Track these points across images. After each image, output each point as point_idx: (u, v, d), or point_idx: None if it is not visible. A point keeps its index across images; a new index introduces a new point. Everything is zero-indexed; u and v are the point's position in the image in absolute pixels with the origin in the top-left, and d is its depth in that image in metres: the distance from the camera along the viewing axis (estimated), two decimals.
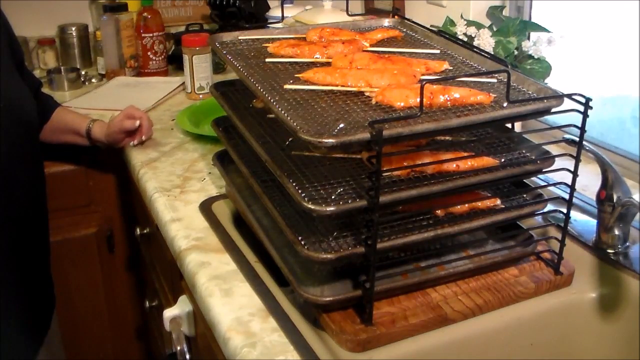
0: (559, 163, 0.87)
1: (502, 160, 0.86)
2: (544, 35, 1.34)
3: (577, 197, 1.05)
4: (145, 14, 1.90)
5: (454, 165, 0.82)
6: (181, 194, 1.19)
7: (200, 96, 1.71)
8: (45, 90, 1.50)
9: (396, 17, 1.19)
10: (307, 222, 0.85)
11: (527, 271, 0.93)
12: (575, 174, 0.86)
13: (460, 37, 1.37)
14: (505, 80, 0.78)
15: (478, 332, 0.86)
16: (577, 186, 0.87)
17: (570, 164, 0.86)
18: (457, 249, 0.94)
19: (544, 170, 0.87)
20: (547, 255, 0.96)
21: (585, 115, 0.81)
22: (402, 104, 0.80)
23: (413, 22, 1.14)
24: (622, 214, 0.94)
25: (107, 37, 1.90)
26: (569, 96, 0.81)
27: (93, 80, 1.95)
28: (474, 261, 0.90)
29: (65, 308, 1.59)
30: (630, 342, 0.92)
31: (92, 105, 1.68)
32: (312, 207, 0.75)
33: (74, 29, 2.04)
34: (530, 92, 0.86)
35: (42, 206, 1.29)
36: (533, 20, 1.50)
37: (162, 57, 1.95)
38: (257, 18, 1.93)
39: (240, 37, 1.09)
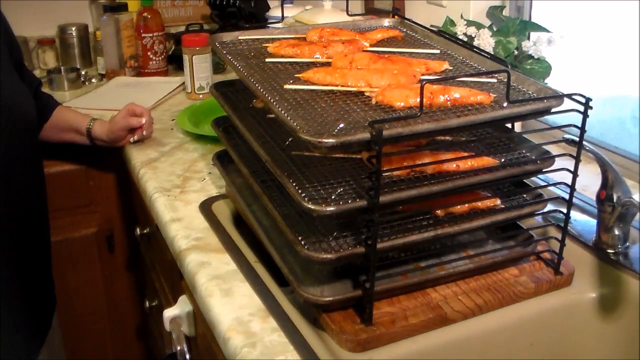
0: (559, 163, 0.87)
1: (502, 160, 0.87)
2: (544, 35, 1.34)
3: (577, 197, 1.05)
4: (145, 14, 1.90)
5: (454, 165, 0.82)
6: (181, 194, 1.19)
7: (200, 96, 1.71)
8: (45, 90, 1.50)
9: (396, 17, 1.19)
10: (307, 222, 0.85)
11: (527, 271, 0.93)
12: (575, 174, 0.86)
13: (460, 37, 1.37)
14: (505, 80, 0.78)
15: (478, 332, 0.86)
16: (577, 186, 0.87)
17: (570, 164, 0.86)
18: (457, 249, 0.94)
19: (544, 170, 0.87)
20: (547, 255, 0.96)
21: (585, 115, 0.81)
22: (402, 104, 0.80)
23: (413, 22, 1.14)
24: (622, 214, 0.94)
25: (107, 37, 1.90)
26: (569, 96, 0.81)
27: (93, 80, 1.95)
28: (474, 261, 0.90)
29: (66, 308, 1.59)
30: (630, 342, 0.92)
31: (92, 105, 1.68)
32: (312, 207, 0.75)
33: (74, 29, 2.04)
34: (530, 92, 0.86)
35: (42, 206, 1.29)
36: (533, 20, 1.50)
37: (162, 57, 1.95)
38: (257, 18, 1.93)
39: (240, 37, 1.09)
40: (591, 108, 0.80)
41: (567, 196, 0.88)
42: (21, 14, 2.01)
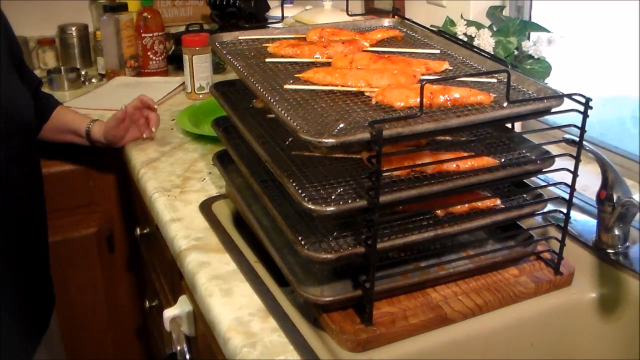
0: (559, 163, 0.87)
1: (502, 160, 0.86)
2: (544, 35, 1.34)
3: (577, 197, 1.05)
4: (145, 14, 1.90)
5: (454, 165, 0.82)
6: (181, 194, 1.19)
7: (200, 96, 1.72)
8: (45, 90, 1.50)
9: (396, 17, 1.19)
10: (307, 222, 0.85)
11: (527, 271, 0.93)
12: (575, 174, 0.86)
13: (460, 37, 1.37)
14: (505, 80, 0.78)
15: (478, 332, 0.86)
16: (577, 186, 0.87)
17: (570, 164, 0.86)
18: (457, 249, 0.94)
19: (544, 170, 0.87)
20: (547, 255, 0.96)
21: (585, 115, 0.81)
22: (402, 104, 0.80)
23: (413, 22, 1.14)
24: (622, 214, 0.94)
25: (107, 37, 1.90)
26: (569, 96, 0.81)
27: (93, 80, 1.95)
28: (474, 261, 0.90)
29: (65, 308, 1.59)
30: (630, 342, 0.92)
31: (92, 105, 1.68)
32: (312, 207, 0.75)
33: (74, 29, 2.04)
34: (530, 92, 0.86)
35: (40, 206, 1.29)
36: (533, 20, 1.50)
37: (162, 57, 1.96)
38: (257, 18, 1.93)
39: (240, 37, 1.09)
40: (591, 108, 0.80)
41: (567, 196, 0.88)
42: (21, 14, 2.01)
